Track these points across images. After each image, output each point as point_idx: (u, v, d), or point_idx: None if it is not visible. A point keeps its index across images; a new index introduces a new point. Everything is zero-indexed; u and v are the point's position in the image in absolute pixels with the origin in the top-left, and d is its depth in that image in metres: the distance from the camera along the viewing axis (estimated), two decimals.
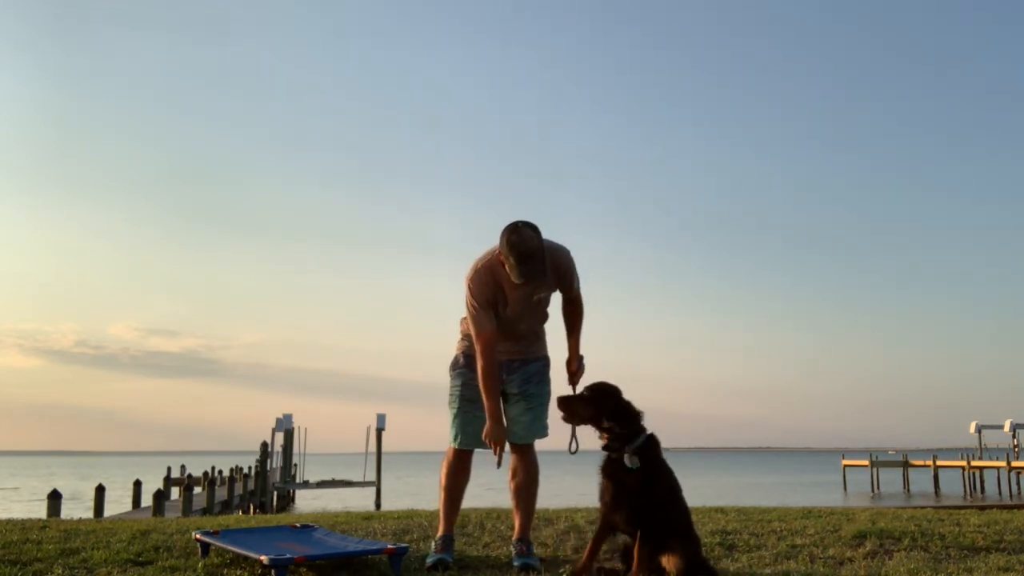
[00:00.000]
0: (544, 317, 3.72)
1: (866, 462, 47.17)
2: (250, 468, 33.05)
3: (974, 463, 42.70)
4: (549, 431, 3.67)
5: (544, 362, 3.72)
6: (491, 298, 3.51)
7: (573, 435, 3.43)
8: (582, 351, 3.69)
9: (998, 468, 40.85)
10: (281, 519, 5.59)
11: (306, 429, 37.17)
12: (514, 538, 3.63)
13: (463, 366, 3.67)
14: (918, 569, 3.37)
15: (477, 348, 3.49)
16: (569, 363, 3.65)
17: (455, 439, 3.63)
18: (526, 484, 3.64)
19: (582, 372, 3.62)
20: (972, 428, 44.91)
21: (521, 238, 3.28)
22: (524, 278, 3.31)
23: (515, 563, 3.45)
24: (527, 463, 3.64)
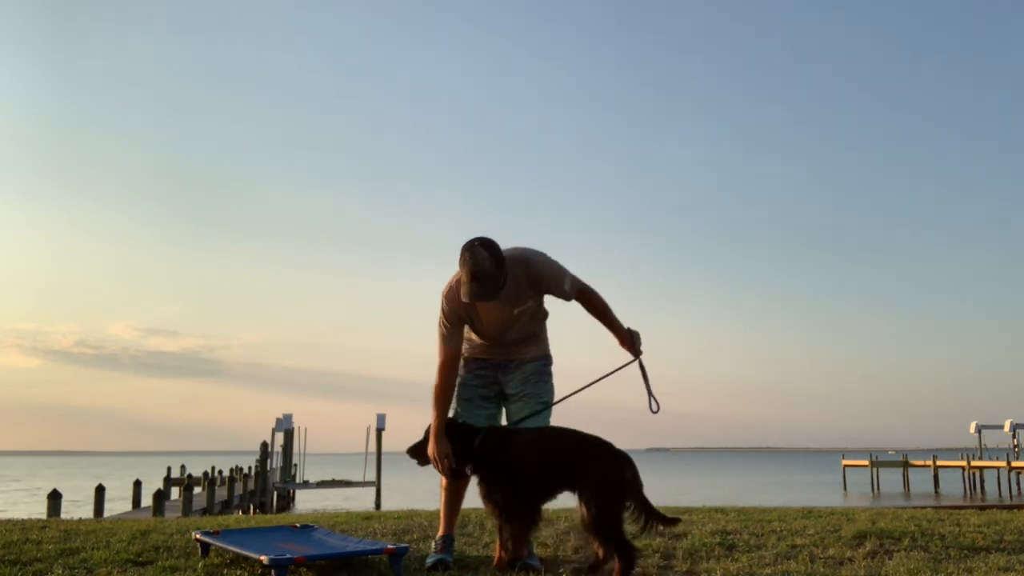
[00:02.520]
0: (541, 318, 3.68)
1: (866, 462, 47.21)
2: (250, 468, 33.08)
3: (974, 463, 42.73)
4: None
5: (543, 361, 3.69)
6: (463, 315, 3.47)
7: (650, 395, 3.60)
8: (628, 325, 3.63)
9: (998, 468, 40.88)
10: (281, 519, 5.59)
11: (306, 429, 37.24)
12: None
13: (461, 367, 3.66)
14: (918, 569, 3.37)
15: (437, 363, 3.48)
16: (621, 344, 3.61)
17: None
18: None
19: (639, 341, 3.58)
20: (972, 428, 44.95)
21: (474, 258, 3.23)
22: (469, 297, 3.27)
23: (515, 563, 3.45)
24: None
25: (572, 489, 3.24)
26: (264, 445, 33.98)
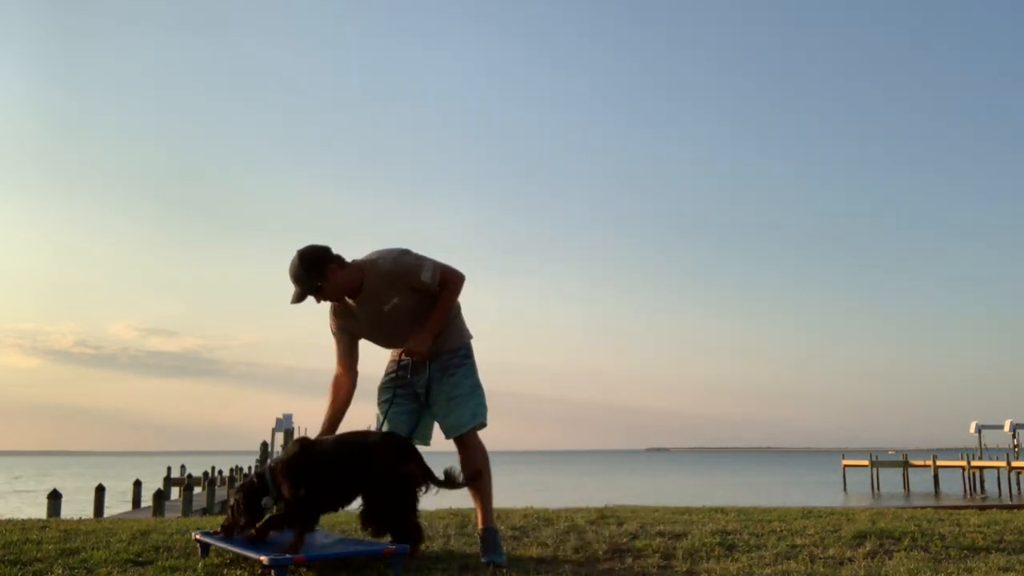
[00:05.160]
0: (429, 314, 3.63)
1: (866, 462, 47.22)
2: (250, 468, 33.13)
3: (974, 463, 42.73)
4: (476, 420, 3.60)
5: (448, 355, 3.65)
6: (343, 324, 3.65)
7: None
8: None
9: (998, 468, 40.89)
10: None
11: (306, 429, 37.20)
12: (479, 528, 3.60)
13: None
14: (918, 569, 3.37)
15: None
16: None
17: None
18: (472, 476, 3.60)
19: (417, 350, 3.55)
20: (972, 428, 44.96)
21: (290, 265, 3.51)
22: (291, 299, 3.51)
23: (483, 559, 3.44)
24: (465, 456, 3.61)
25: (365, 489, 3.37)
26: (264, 445, 34.03)
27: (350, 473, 3.36)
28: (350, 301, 3.59)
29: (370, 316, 3.59)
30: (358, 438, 3.48)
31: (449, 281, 3.58)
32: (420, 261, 3.53)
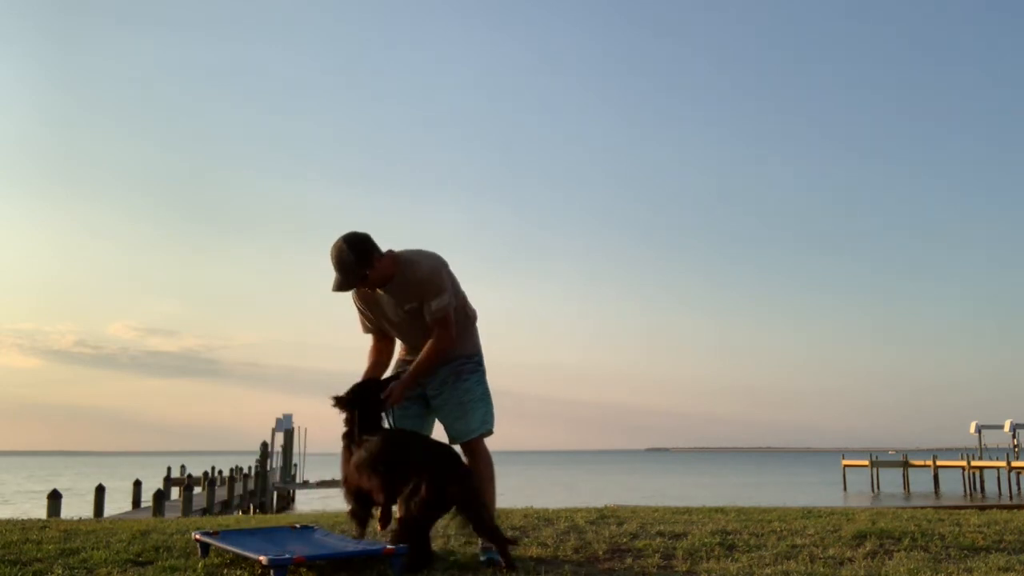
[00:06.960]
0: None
1: (866, 462, 47.20)
2: (250, 468, 33.13)
3: (974, 463, 42.71)
4: (485, 427, 3.65)
5: (462, 361, 3.69)
6: (363, 307, 3.72)
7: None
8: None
9: (998, 468, 40.88)
10: (281, 519, 5.59)
11: (306, 429, 37.28)
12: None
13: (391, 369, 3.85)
14: (918, 569, 3.37)
15: None
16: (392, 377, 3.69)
17: None
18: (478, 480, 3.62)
19: (394, 400, 3.56)
20: (972, 428, 44.92)
21: (334, 250, 3.51)
22: (333, 287, 3.52)
23: (481, 558, 3.45)
24: (471, 461, 3.63)
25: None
26: (264, 445, 33.99)
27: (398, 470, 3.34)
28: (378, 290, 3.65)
29: (389, 308, 3.64)
30: (413, 442, 3.44)
31: (440, 331, 3.57)
32: (443, 288, 3.55)
